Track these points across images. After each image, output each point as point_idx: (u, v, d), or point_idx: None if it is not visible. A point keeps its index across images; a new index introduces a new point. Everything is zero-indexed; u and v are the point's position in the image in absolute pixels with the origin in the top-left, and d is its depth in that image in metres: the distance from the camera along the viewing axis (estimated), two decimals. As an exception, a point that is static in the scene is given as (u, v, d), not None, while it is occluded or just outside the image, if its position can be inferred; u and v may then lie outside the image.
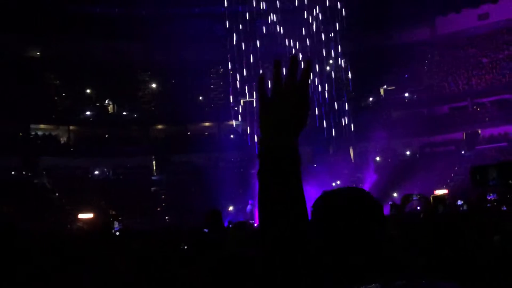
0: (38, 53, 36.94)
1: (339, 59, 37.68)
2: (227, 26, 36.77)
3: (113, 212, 26.61)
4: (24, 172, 30.94)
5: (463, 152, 33.01)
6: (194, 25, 37.83)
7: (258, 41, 37.19)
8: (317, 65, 36.30)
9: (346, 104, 35.33)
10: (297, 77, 1.42)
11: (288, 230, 1.36)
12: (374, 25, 37.65)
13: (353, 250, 1.49)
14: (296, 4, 37.37)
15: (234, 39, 36.91)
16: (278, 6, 37.39)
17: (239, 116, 35.99)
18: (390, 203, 18.92)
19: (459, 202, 14.91)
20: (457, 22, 35.97)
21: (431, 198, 12.85)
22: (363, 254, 1.49)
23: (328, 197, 1.61)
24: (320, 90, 36.09)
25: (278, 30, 36.92)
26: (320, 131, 34.05)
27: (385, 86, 38.19)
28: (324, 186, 26.57)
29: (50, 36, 34.98)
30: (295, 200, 1.39)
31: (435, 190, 26.87)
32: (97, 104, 37.27)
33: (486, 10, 35.73)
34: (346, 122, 34.50)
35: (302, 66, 1.46)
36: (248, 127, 34.47)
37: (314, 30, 37.04)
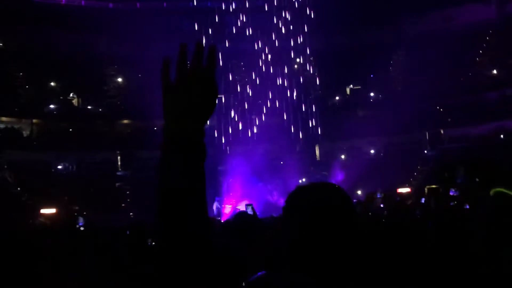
0: (1, 44, 35.99)
1: (307, 57, 37.94)
2: (196, 22, 36.57)
3: (77, 208, 26.24)
4: (-16, 166, 30.18)
5: (426, 151, 33.72)
6: (163, 20, 37.51)
7: (226, 37, 37.09)
8: (285, 65, 36.54)
9: (313, 103, 35.63)
10: (202, 62, 1.35)
11: (188, 223, 1.28)
12: (343, 25, 38.00)
13: (331, 245, 1.51)
14: (265, 2, 37.41)
15: (202, 35, 36.71)
16: (247, 4, 37.41)
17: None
18: (354, 200, 19.28)
19: (422, 200, 15.23)
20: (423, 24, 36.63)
21: (426, 189, 12.82)
22: (341, 251, 1.51)
23: (302, 191, 1.63)
24: (287, 88, 36.28)
25: (246, 27, 36.93)
26: (287, 129, 34.29)
27: (351, 86, 38.67)
28: (290, 183, 26.80)
29: (13, 27, 34.13)
30: (196, 191, 1.31)
31: (399, 188, 27.38)
32: (61, 98, 36.58)
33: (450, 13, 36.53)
34: (313, 121, 34.82)
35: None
36: (215, 123, 34.45)
37: (282, 28, 37.19)
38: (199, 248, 1.28)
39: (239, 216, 5.02)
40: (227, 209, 25.89)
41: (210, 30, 36.15)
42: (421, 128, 33.92)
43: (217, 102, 1.38)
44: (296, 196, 1.63)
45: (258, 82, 37.03)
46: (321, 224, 1.52)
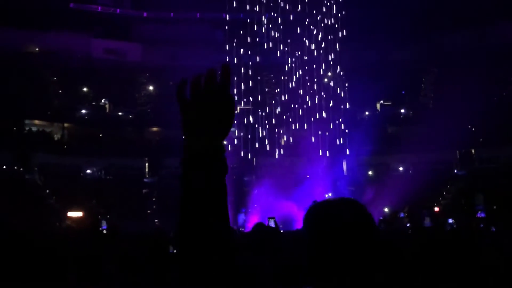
0: (36, 49, 36.86)
1: (337, 72, 37.86)
2: (227, 33, 36.87)
3: (102, 211, 26.56)
4: (16, 168, 30.76)
5: (456, 171, 33.15)
6: (195, 30, 37.92)
7: (257, 49, 37.27)
8: (315, 79, 36.50)
9: (342, 117, 35.44)
10: (216, 81, 1.38)
11: (209, 235, 1.31)
12: (374, 40, 37.84)
13: (346, 260, 1.50)
14: (297, 16, 37.52)
15: (234, 46, 37.01)
16: (279, 16, 37.57)
17: (234, 123, 35.96)
18: (380, 218, 19.03)
19: (450, 220, 14.96)
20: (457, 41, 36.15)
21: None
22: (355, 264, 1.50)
23: (319, 207, 1.63)
24: (316, 102, 36.20)
25: (277, 40, 37.07)
26: (315, 143, 34.13)
27: (381, 101, 38.35)
28: (317, 197, 26.62)
29: (49, 32, 34.94)
30: (217, 206, 1.34)
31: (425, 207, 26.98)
32: (93, 103, 37.21)
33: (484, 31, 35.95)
34: (341, 135, 34.58)
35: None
36: (241, 134, 34.55)
37: (313, 42, 37.20)
38: (219, 263, 1.29)
39: (256, 228, 4.96)
40: (252, 221, 25.84)
41: (241, 41, 36.37)
42: (452, 147, 33.35)
43: (234, 117, 1.40)
44: (314, 212, 1.63)
45: (287, 95, 37.04)
46: (338, 239, 1.52)
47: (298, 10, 37.30)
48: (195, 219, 1.31)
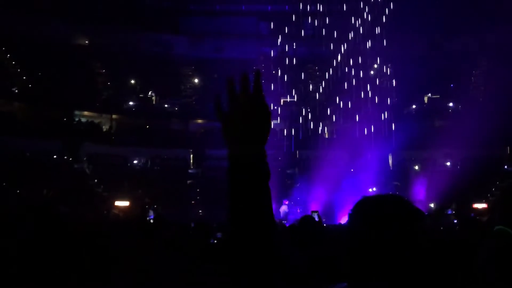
0: (87, 42, 37.76)
1: (385, 64, 37.23)
2: (273, 25, 36.78)
3: (148, 201, 27.03)
4: (65, 157, 31.67)
5: (506, 167, 32.14)
6: (240, 23, 38.00)
7: (302, 41, 37.04)
8: (361, 71, 36.00)
9: (389, 110, 34.86)
10: (249, 90, 1.46)
11: (256, 239, 1.39)
12: (423, 32, 36.96)
13: (390, 258, 1.48)
14: (344, 7, 37.04)
15: (279, 38, 36.91)
16: (325, 8, 37.17)
17: (278, 116, 35.97)
18: (426, 214, 18.72)
19: None
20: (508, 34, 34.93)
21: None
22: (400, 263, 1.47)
23: (368, 202, 1.61)
24: (362, 95, 35.72)
25: (322, 32, 36.72)
26: (360, 136, 33.72)
27: (429, 94, 37.49)
28: (361, 192, 26.33)
29: (98, 25, 35.73)
30: (262, 209, 1.42)
31: (474, 203, 26.28)
32: (140, 95, 37.90)
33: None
34: (387, 129, 34.03)
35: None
36: (285, 128, 34.51)
37: (360, 33, 36.65)
38: (263, 263, 1.38)
39: (304, 221, 4.94)
40: (293, 213, 25.83)
41: (286, 33, 36.22)
42: (501, 143, 32.32)
43: (271, 124, 1.48)
44: (360, 206, 1.61)
45: (332, 87, 36.69)
46: (380, 235, 1.49)
47: (343, 1, 36.87)
48: (244, 224, 1.41)
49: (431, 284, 1.53)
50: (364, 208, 1.59)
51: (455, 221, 13.37)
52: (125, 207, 25.52)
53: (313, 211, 20.40)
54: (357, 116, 34.65)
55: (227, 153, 1.46)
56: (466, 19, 35.08)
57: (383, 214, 1.53)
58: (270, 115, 1.48)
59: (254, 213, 1.41)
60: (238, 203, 1.43)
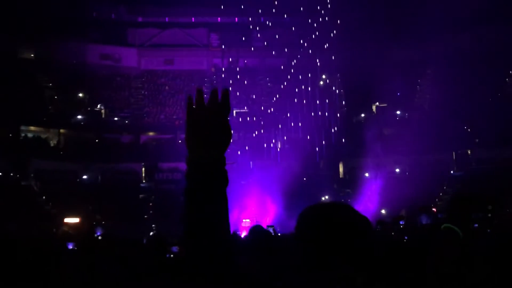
0: (32, 55, 36.81)
1: (332, 74, 37.96)
2: (223, 37, 36.93)
3: (98, 217, 26.47)
4: (12, 174, 30.68)
5: (452, 172, 33.23)
6: (190, 34, 37.93)
7: (252, 53, 37.33)
8: (310, 82, 36.56)
9: (338, 119, 35.50)
10: (217, 102, 1.54)
11: (212, 245, 1.42)
12: (369, 41, 37.92)
13: (334, 263, 1.52)
14: (292, 18, 37.61)
15: (228, 49, 37.09)
16: (274, 20, 37.64)
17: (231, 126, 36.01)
18: (378, 219, 19.03)
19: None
20: (452, 42, 36.27)
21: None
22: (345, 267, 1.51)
23: (313, 210, 1.67)
24: (312, 105, 36.25)
25: (272, 43, 37.14)
26: (311, 145, 34.16)
27: (377, 103, 38.40)
28: (313, 200, 26.62)
29: (44, 38, 34.91)
30: (220, 214, 1.46)
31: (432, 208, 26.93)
32: (89, 109, 37.15)
33: (479, 32, 36.07)
34: (337, 138, 34.63)
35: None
36: (237, 138, 34.58)
37: (308, 44, 37.29)
38: (221, 268, 1.40)
39: (254, 230, 4.95)
40: (246, 224, 25.89)
41: (236, 44, 36.40)
42: (448, 148, 33.44)
43: (231, 133, 1.57)
44: (307, 215, 1.66)
45: (283, 98, 37.08)
46: (331, 242, 1.54)
47: (290, 13, 37.42)
48: (199, 226, 1.43)
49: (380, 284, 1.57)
50: (309, 216, 1.64)
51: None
52: (75, 224, 24.87)
53: (269, 226, 20.44)
54: (308, 125, 35.07)
55: (186, 157, 1.50)
56: (411, 28, 36.21)
57: (327, 221, 1.58)
58: (230, 129, 1.55)
59: (211, 216, 1.44)
60: (195, 207, 1.45)
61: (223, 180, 1.49)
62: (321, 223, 1.58)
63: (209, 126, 1.51)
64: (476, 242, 2.90)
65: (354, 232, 1.57)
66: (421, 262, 2.80)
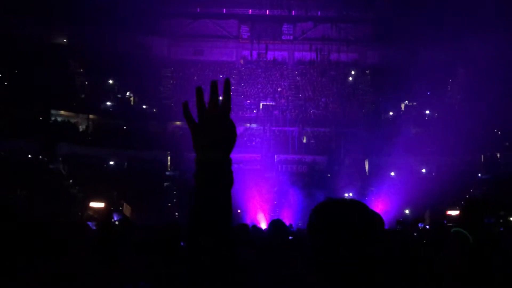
0: (65, 41, 37.37)
1: (363, 70, 37.60)
2: (252, 29, 36.89)
3: (122, 202, 26.83)
4: (40, 157, 31.26)
5: (480, 174, 32.68)
6: (220, 26, 38.00)
7: (282, 45, 37.19)
8: (341, 77, 36.29)
9: (366, 116, 35.19)
10: (218, 98, 1.54)
11: (216, 239, 1.46)
12: (401, 40, 37.51)
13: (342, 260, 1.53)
14: (324, 13, 37.36)
15: (258, 42, 37.02)
16: (304, 12, 37.46)
17: (256, 118, 36.11)
18: (399, 219, 18.86)
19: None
20: (485, 43, 35.57)
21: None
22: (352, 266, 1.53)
23: (323, 207, 1.67)
24: (341, 100, 36.01)
25: (303, 35, 36.96)
26: (338, 141, 33.95)
27: (406, 102, 37.92)
28: (336, 196, 26.48)
29: (77, 25, 35.42)
30: (224, 214, 1.49)
31: (448, 211, 26.60)
32: (118, 96, 37.61)
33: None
34: (364, 135, 34.31)
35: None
36: (264, 129, 34.60)
37: (338, 38, 37.03)
38: (221, 266, 1.44)
39: (272, 225, 4.97)
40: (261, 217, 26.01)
41: (264, 37, 36.31)
42: (476, 151, 32.88)
43: (236, 134, 1.56)
44: (317, 212, 1.68)
45: (311, 92, 36.90)
46: (338, 239, 1.56)
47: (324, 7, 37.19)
48: (204, 224, 1.47)
49: (392, 281, 1.58)
50: (321, 212, 1.66)
51: (427, 226, 13.51)
52: (100, 209, 25.27)
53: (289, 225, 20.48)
54: (335, 122, 34.88)
55: (194, 158, 1.53)
56: (443, 28, 35.64)
57: (338, 218, 1.60)
58: (234, 126, 1.55)
59: (216, 216, 1.47)
60: (201, 207, 1.49)
61: (228, 180, 1.51)
62: (332, 220, 1.60)
63: (217, 127, 1.53)
64: (490, 246, 2.88)
65: (364, 230, 1.58)
66: (429, 263, 2.78)
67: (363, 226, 1.58)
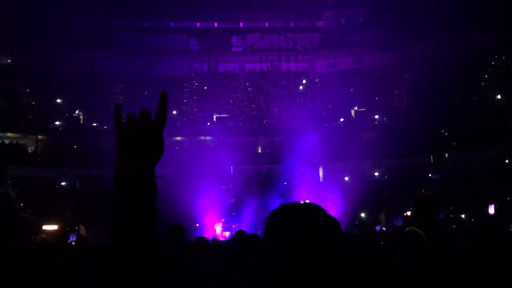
0: (9, 60, 36.38)
1: (312, 79, 38.15)
2: (202, 42, 36.90)
3: (77, 223, 26.24)
4: (-12, 181, 30.24)
5: (430, 175, 33.58)
6: (169, 39, 37.83)
7: (232, 57, 37.34)
8: (291, 86, 36.69)
9: (317, 124, 35.65)
10: (165, 108, 1.50)
11: (138, 252, 1.38)
12: (348, 47, 38.36)
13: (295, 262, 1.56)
14: (271, 23, 37.76)
15: (209, 54, 37.06)
16: (253, 25, 37.77)
17: (211, 130, 36.07)
18: (356, 222, 19.20)
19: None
20: (429, 47, 36.73)
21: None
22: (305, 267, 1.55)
23: (282, 210, 1.70)
24: (292, 109, 36.38)
25: (252, 48, 37.24)
26: (291, 149, 34.24)
27: (356, 108, 38.68)
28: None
29: (21, 44, 34.54)
30: (148, 225, 1.43)
31: (405, 212, 27.21)
32: (67, 114, 36.79)
33: (456, 38, 36.56)
34: (317, 142, 34.75)
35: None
36: (219, 141, 34.58)
37: (286, 49, 37.49)
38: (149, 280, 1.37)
39: (236, 236, 4.98)
40: (229, 229, 25.88)
41: (215, 50, 36.39)
42: (426, 152, 33.84)
43: (164, 148, 1.50)
44: (274, 214, 1.69)
45: (264, 102, 37.15)
46: (292, 241, 1.57)
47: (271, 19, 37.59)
48: (125, 239, 1.39)
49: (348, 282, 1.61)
50: (279, 215, 1.68)
51: (384, 228, 13.82)
52: (53, 231, 24.61)
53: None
54: (288, 130, 35.18)
55: (115, 167, 1.49)
56: (388, 35, 36.65)
57: (296, 220, 1.62)
58: (163, 140, 1.50)
59: (139, 228, 1.41)
60: (122, 219, 1.43)
61: (151, 191, 1.46)
62: (289, 221, 1.62)
63: (140, 139, 1.48)
64: (442, 242, 2.99)
65: (320, 231, 1.61)
66: (385, 264, 2.86)
67: (317, 227, 1.61)
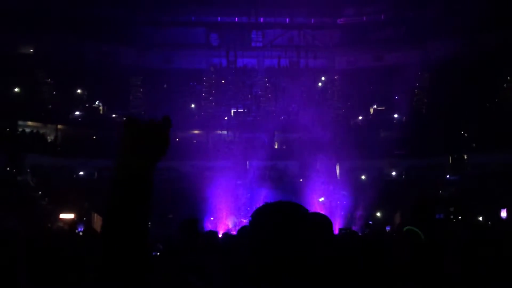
0: (31, 50, 36.83)
1: (332, 76, 37.99)
2: (221, 36, 36.93)
3: (95, 214, 26.52)
4: (8, 169, 30.66)
5: (448, 176, 33.26)
6: (189, 33, 37.95)
7: (251, 52, 37.33)
8: (310, 82, 36.57)
9: (336, 121, 35.51)
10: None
11: (129, 250, 1.42)
12: (368, 45, 38.12)
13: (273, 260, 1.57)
14: (292, 18, 37.67)
15: (228, 49, 37.08)
16: (273, 20, 37.70)
17: (228, 125, 36.15)
18: (369, 222, 19.12)
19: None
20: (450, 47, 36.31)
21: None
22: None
23: (263, 209, 1.76)
24: (311, 105, 36.25)
25: (272, 43, 37.19)
26: (308, 146, 34.15)
27: (375, 106, 38.43)
28: (309, 201, 26.66)
29: (44, 34, 34.92)
30: (139, 220, 1.47)
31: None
32: (87, 105, 37.18)
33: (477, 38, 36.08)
34: (334, 139, 34.59)
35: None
36: (235, 136, 34.63)
37: (307, 46, 37.35)
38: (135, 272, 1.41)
39: (240, 232, 5.00)
40: (241, 224, 25.89)
41: (235, 44, 36.40)
42: (444, 152, 33.49)
43: (167, 147, 1.55)
44: (256, 215, 1.75)
45: (281, 98, 37.12)
46: (273, 238, 1.61)
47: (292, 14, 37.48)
48: (118, 232, 1.44)
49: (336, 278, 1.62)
50: (260, 215, 1.73)
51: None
52: (70, 220, 24.95)
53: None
54: (305, 127, 35.07)
55: (116, 161, 1.52)
56: (409, 33, 36.32)
57: (277, 220, 1.66)
58: (168, 142, 1.55)
59: (131, 221, 1.45)
60: (117, 211, 1.48)
61: (147, 189, 1.51)
62: (265, 221, 1.67)
63: (143, 136, 1.53)
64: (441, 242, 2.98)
65: (298, 231, 1.62)
66: (382, 263, 2.86)
67: (295, 227, 1.64)
